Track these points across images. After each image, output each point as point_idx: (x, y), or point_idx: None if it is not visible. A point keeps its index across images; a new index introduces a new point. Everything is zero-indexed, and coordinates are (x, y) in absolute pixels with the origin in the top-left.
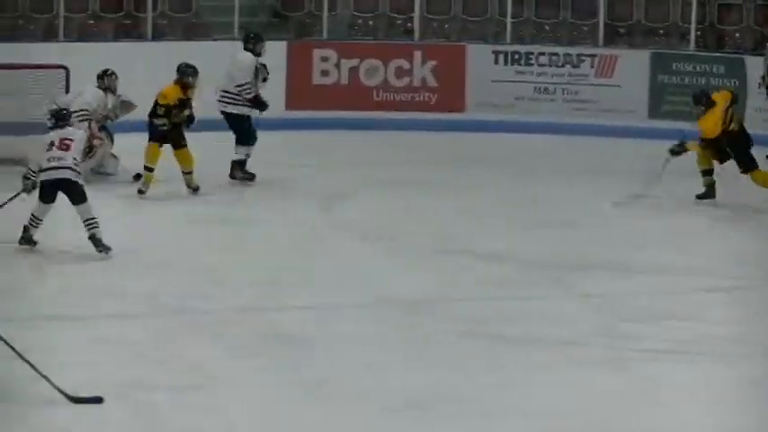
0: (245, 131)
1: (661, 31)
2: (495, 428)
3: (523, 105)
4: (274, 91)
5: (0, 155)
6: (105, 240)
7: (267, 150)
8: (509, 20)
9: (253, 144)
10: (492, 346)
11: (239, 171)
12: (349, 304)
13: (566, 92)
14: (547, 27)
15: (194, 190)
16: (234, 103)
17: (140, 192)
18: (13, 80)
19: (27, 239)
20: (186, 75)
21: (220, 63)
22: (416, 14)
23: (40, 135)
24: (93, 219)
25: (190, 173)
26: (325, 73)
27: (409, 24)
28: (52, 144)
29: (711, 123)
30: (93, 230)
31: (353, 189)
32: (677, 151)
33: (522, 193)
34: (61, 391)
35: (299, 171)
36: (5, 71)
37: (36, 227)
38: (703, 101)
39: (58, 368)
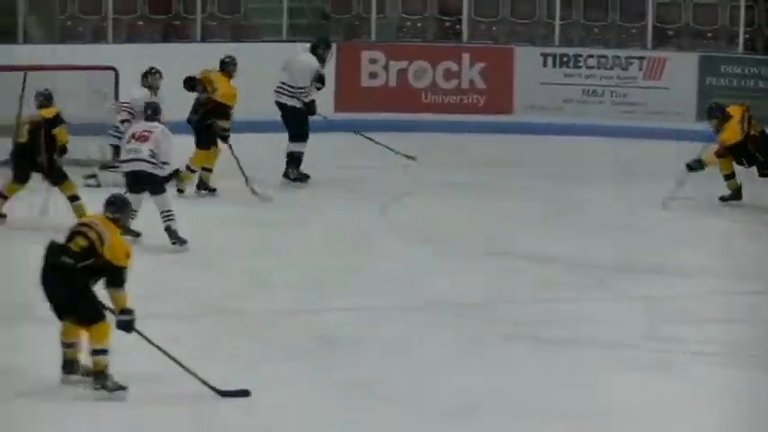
0: (300, 126)
1: (709, 34)
2: (542, 430)
3: (572, 108)
4: (323, 93)
5: None
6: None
7: (315, 152)
8: (557, 22)
9: (305, 140)
10: (538, 348)
11: (294, 168)
12: (396, 306)
13: (614, 94)
14: (595, 29)
15: (212, 191)
16: (292, 97)
17: (180, 191)
18: (62, 82)
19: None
20: (233, 66)
21: (268, 65)
22: (465, 16)
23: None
24: (169, 211)
25: (211, 170)
26: (373, 75)
27: (457, 26)
28: (133, 135)
29: (730, 133)
30: (168, 222)
31: (402, 191)
32: (694, 167)
33: (570, 195)
34: (209, 386)
35: (347, 173)
36: (55, 72)
37: (132, 218)
38: (717, 114)
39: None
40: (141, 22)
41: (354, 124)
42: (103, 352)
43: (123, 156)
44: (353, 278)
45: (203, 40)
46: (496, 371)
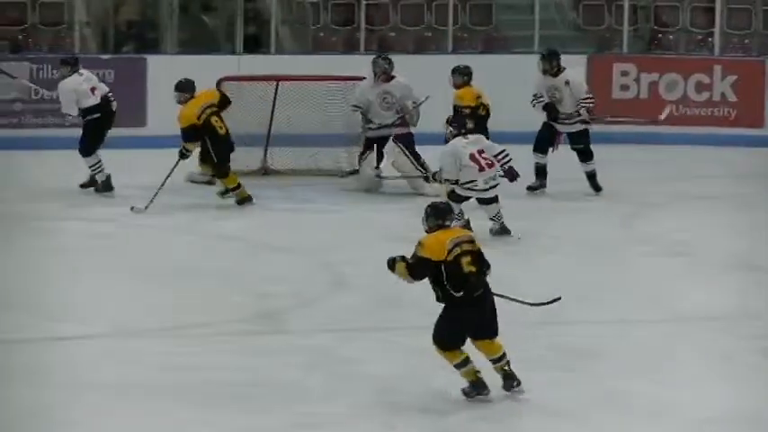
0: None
1: None
2: None
3: None
4: None
5: (303, 166)
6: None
7: (562, 162)
8: None
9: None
10: None
11: (594, 181)
12: (645, 319)
13: None
14: None
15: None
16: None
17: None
18: (314, 92)
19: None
20: None
21: (519, 76)
22: (717, 29)
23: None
24: (498, 214)
25: None
26: (624, 87)
27: (710, 39)
28: (472, 157)
29: None
30: (498, 225)
31: (653, 203)
32: None
33: None
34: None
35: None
36: (309, 83)
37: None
38: None
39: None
40: (393, 33)
41: (605, 137)
42: (506, 354)
43: (480, 184)
44: (605, 289)
45: (454, 51)
46: (747, 387)
